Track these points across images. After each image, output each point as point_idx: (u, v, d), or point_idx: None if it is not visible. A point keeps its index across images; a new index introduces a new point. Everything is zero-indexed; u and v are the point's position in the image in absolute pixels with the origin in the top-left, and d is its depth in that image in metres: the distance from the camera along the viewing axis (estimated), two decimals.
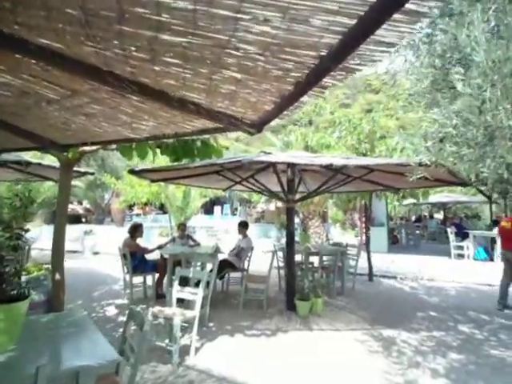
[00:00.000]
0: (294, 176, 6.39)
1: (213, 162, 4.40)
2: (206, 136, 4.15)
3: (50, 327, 2.53)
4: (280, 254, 7.92)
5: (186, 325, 4.48)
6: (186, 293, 4.56)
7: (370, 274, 8.86)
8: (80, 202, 25.26)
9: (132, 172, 5.14)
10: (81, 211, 23.55)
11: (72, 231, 15.88)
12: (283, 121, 2.27)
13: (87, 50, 1.60)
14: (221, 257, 7.06)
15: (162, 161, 7.76)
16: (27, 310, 2.23)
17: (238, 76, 1.70)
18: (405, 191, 9.26)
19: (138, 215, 30.14)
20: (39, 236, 17.08)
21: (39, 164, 6.71)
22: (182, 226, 7.99)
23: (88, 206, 22.64)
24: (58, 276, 4.20)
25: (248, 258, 7.36)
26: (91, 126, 2.78)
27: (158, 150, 4.57)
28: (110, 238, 14.09)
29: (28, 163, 6.53)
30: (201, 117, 2.17)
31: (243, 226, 7.54)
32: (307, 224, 13.23)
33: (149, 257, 6.93)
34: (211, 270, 6.24)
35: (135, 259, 6.61)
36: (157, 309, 4.27)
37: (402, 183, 7.11)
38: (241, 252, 7.24)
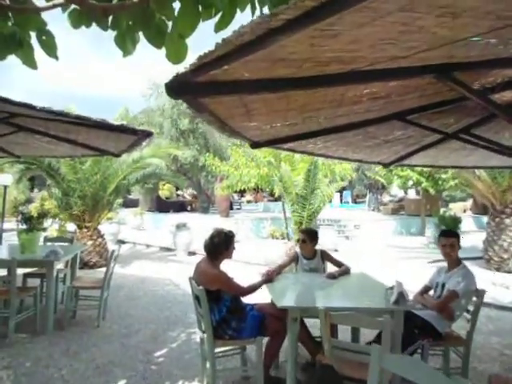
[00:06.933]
0: None
1: None
2: None
3: None
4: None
5: None
6: None
7: None
8: (189, 188, 23.68)
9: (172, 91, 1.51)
10: (188, 197, 21.85)
11: (167, 222, 13.60)
12: None
13: None
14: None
15: None
16: None
17: None
18: None
19: (249, 202, 27.66)
20: (140, 225, 15.36)
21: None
22: (304, 236, 4.02)
23: (195, 192, 20.70)
24: None
25: (470, 317, 3.23)
26: None
27: None
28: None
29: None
30: None
31: (452, 237, 3.41)
32: (500, 224, 8.23)
33: (249, 299, 3.35)
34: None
35: (221, 306, 3.09)
36: None
37: None
38: (450, 299, 3.16)
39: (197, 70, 1.38)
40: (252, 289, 3.28)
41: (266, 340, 3.25)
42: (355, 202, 26.93)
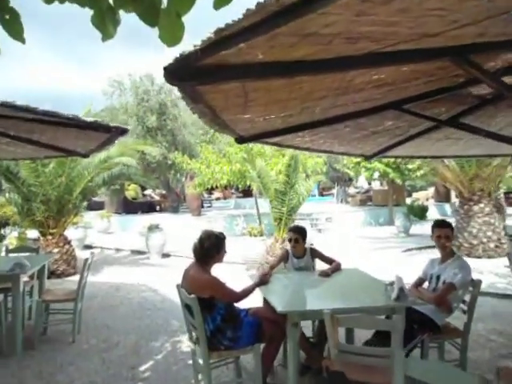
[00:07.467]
0: None
1: None
2: None
3: None
4: None
5: None
6: None
7: None
8: (157, 187, 22.99)
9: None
10: (156, 197, 21.19)
11: (136, 224, 13.06)
12: None
13: None
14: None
15: None
16: None
17: None
18: None
19: (217, 199, 27.26)
20: (107, 228, 14.65)
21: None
22: (296, 235, 3.84)
23: (164, 191, 20.07)
24: None
25: (466, 308, 3.20)
26: None
27: None
28: (184, 232, 10.87)
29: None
30: None
31: (446, 228, 3.35)
32: (469, 211, 8.50)
33: (242, 304, 3.14)
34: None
35: (215, 314, 2.87)
36: None
37: None
38: (448, 292, 3.12)
39: (208, 48, 1.15)
40: (246, 293, 3.07)
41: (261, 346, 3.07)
42: (322, 195, 27.29)
